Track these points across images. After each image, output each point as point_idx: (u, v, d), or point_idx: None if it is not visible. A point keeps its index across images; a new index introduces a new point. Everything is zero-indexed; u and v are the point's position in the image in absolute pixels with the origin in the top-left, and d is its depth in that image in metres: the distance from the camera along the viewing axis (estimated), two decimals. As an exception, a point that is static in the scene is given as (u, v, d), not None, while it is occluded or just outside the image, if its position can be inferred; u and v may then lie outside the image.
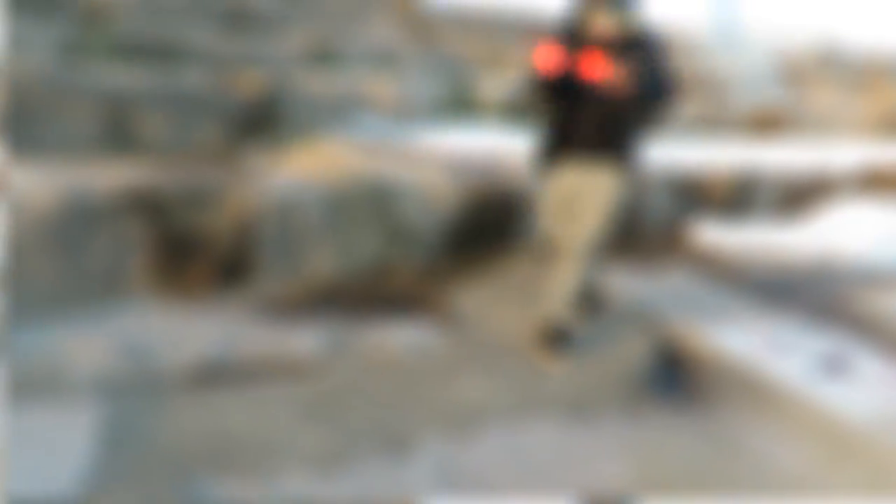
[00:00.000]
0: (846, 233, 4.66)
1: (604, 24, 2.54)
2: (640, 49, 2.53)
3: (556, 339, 2.73)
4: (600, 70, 2.45)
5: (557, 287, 2.70)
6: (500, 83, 5.67)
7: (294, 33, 6.49)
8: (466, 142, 4.70)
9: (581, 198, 2.64)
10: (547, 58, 2.50)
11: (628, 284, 3.67)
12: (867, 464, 2.15)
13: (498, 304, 3.35)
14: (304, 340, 2.77)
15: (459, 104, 5.33)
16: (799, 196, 5.40)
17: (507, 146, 4.71)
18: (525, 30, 8.20)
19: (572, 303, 2.71)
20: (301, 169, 3.86)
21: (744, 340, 3.02)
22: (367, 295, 3.40)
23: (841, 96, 7.99)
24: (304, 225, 3.45)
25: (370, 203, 3.65)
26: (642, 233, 4.67)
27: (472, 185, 3.97)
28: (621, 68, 2.42)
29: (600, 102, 2.53)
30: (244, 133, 4.47)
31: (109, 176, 3.33)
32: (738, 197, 5.10)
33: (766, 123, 6.54)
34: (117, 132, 4.10)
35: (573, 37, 2.59)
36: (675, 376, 2.74)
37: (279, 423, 2.14)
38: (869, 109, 7.53)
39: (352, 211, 3.60)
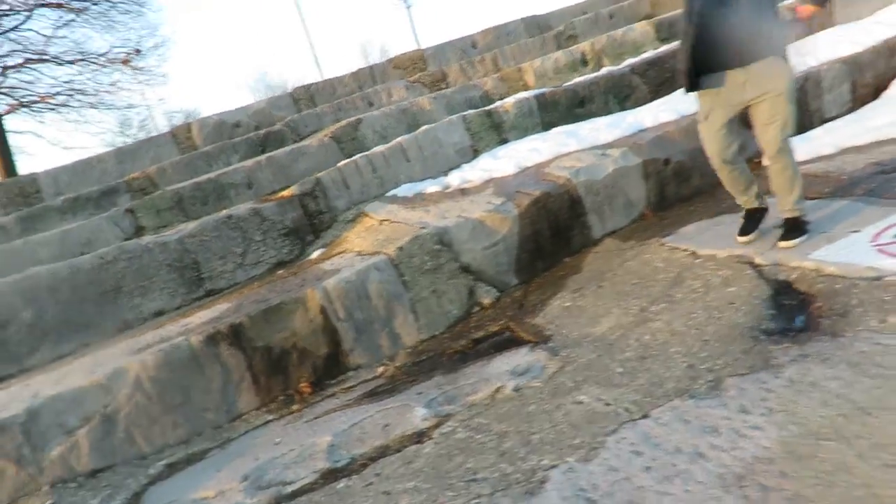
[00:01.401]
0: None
1: None
2: None
3: (797, 228, 3.00)
4: None
5: (777, 184, 3.03)
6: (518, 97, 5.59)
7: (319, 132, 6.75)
8: (507, 163, 4.64)
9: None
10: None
11: (712, 231, 3.41)
12: None
13: (583, 303, 3.19)
14: (415, 411, 2.72)
15: (490, 129, 5.29)
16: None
17: (545, 151, 4.62)
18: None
19: (801, 194, 3.01)
20: (358, 249, 3.93)
21: (854, 246, 2.72)
22: (459, 347, 3.35)
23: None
24: (377, 299, 3.48)
25: (431, 256, 3.63)
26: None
27: (524, 202, 3.87)
28: None
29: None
30: (301, 240, 4.64)
31: (197, 321, 3.54)
32: (802, 100, 4.70)
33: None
34: (193, 280, 4.36)
35: None
36: (793, 304, 2.48)
37: (412, 499, 2.09)
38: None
39: (416, 269, 3.59)
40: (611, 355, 2.62)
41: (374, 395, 3.05)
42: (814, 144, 4.29)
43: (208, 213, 5.06)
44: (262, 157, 5.72)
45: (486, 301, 3.74)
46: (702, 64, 2.95)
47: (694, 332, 2.56)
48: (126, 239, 4.95)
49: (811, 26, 3.79)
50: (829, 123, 4.65)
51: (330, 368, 3.41)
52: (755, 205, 3.20)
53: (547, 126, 5.31)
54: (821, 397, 1.89)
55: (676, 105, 4.74)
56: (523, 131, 5.26)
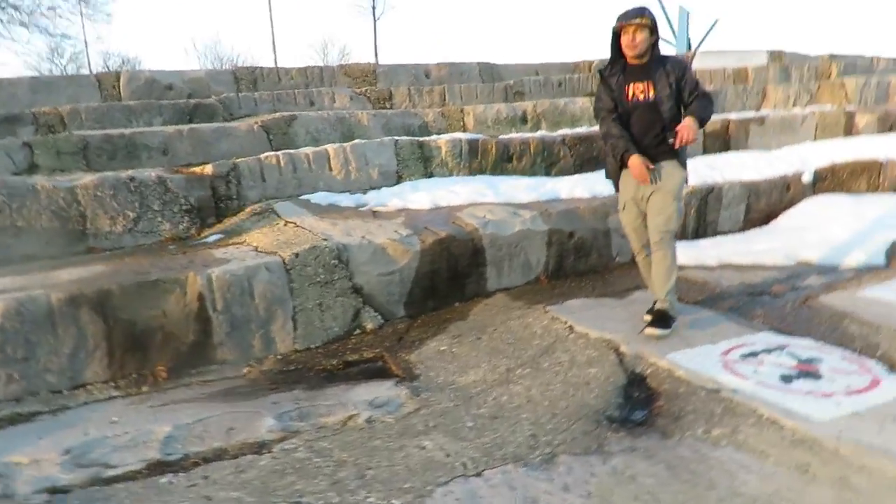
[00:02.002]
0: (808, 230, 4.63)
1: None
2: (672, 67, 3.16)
3: (663, 320, 3.21)
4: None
5: (656, 272, 3.26)
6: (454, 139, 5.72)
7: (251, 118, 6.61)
8: (424, 197, 4.73)
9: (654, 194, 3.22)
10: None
11: (593, 311, 3.62)
12: (835, 476, 2.06)
13: (458, 350, 3.29)
14: (264, 420, 2.69)
15: (418, 160, 5.37)
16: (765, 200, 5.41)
17: (463, 195, 4.75)
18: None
19: (673, 286, 3.24)
20: (256, 244, 3.86)
21: (706, 356, 2.97)
22: (330, 366, 3.35)
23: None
24: (260, 299, 3.43)
25: (326, 269, 3.63)
26: (610, 261, 4.65)
27: (429, 239, 3.95)
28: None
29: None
30: (202, 221, 4.51)
31: (65, 277, 3.35)
32: (701, 209, 5.09)
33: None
34: (75, 233, 4.13)
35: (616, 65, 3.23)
36: (639, 397, 2.67)
37: (229, 511, 2.05)
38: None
39: (308, 279, 3.58)
40: (467, 408, 2.71)
41: (230, 394, 2.99)
42: (700, 253, 4.65)
43: (113, 168, 4.83)
44: (186, 127, 5.54)
45: (369, 326, 3.77)
46: (622, 158, 3.25)
47: (547, 404, 2.69)
48: (15, 174, 4.63)
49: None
50: (720, 237, 5.07)
51: (193, 358, 3.31)
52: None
53: (473, 171, 5.47)
54: (634, 491, 2.03)
55: (593, 185, 5.01)
56: (449, 171, 5.38)
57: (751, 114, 7.22)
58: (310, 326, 3.59)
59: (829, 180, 5.70)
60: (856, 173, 5.75)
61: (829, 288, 3.92)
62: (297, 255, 3.57)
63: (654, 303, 3.31)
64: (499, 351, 3.30)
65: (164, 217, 4.37)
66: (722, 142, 6.56)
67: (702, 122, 3.12)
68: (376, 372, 3.20)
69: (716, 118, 6.81)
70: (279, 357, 3.45)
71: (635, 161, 3.16)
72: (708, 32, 17.65)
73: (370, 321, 3.78)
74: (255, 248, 3.80)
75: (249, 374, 3.27)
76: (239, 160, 4.77)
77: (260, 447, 2.45)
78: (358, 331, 3.75)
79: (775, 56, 10.92)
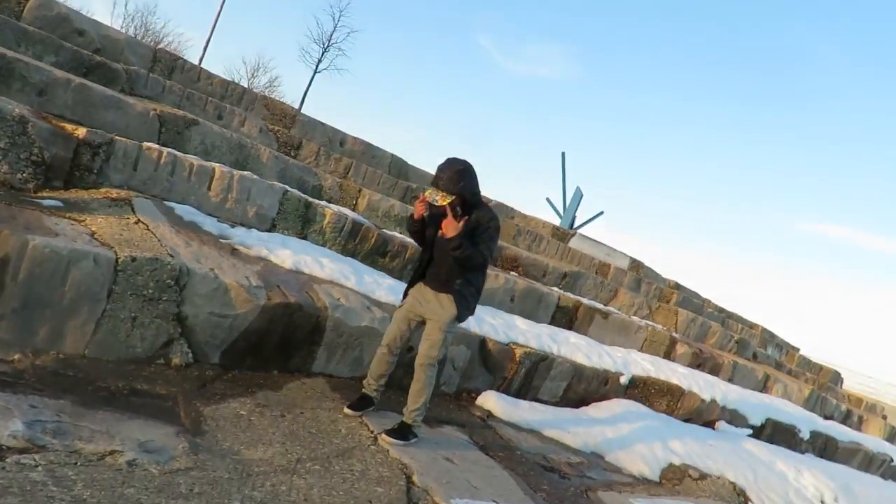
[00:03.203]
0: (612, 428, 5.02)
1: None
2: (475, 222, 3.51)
3: (403, 432, 3.56)
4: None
5: (413, 388, 3.64)
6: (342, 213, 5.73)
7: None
8: (290, 257, 4.61)
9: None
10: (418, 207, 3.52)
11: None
12: None
13: (257, 421, 3.11)
14: (11, 422, 2.33)
15: (298, 218, 5.29)
16: (585, 385, 5.83)
17: (328, 270, 4.69)
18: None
19: (422, 407, 3.63)
20: (95, 230, 3.52)
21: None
22: (115, 387, 3.01)
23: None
24: (71, 288, 3.07)
25: (157, 286, 3.36)
26: (436, 388, 4.71)
27: (277, 299, 3.82)
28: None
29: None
30: (46, 180, 4.06)
31: None
32: (531, 372, 5.38)
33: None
34: None
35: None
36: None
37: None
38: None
39: (133, 288, 3.29)
40: (241, 485, 2.53)
41: (-17, 378, 2.58)
42: (516, 412, 4.86)
43: (-26, 83, 4.29)
44: (77, 79, 5.10)
45: (176, 360, 3.48)
46: (420, 275, 3.74)
47: (323, 509, 2.58)
48: None
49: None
50: (538, 403, 5.34)
51: (-40, 321, 2.85)
52: (374, 394, 3.80)
53: (346, 252, 5.45)
54: None
55: (449, 311, 5.17)
56: (324, 241, 5.33)
57: (600, 305, 7.94)
58: (111, 336, 3.25)
59: (640, 389, 6.30)
60: (662, 392, 6.41)
61: (609, 486, 4.22)
62: (133, 259, 3.29)
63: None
64: (297, 437, 3.16)
65: (6, 159, 3.89)
66: (568, 319, 7.09)
67: (457, 252, 3.43)
68: (162, 412, 2.92)
69: (571, 296, 7.41)
70: (62, 357, 3.06)
71: (418, 200, 3.52)
72: (591, 219, 19.62)
73: (179, 356, 3.50)
74: (93, 234, 3.46)
75: (19, 363, 2.86)
76: (118, 137, 4.43)
77: (-9, 451, 2.11)
78: (161, 361, 3.44)
79: (635, 265, 12.26)
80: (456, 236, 3.38)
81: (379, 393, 3.82)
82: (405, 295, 3.82)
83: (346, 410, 3.68)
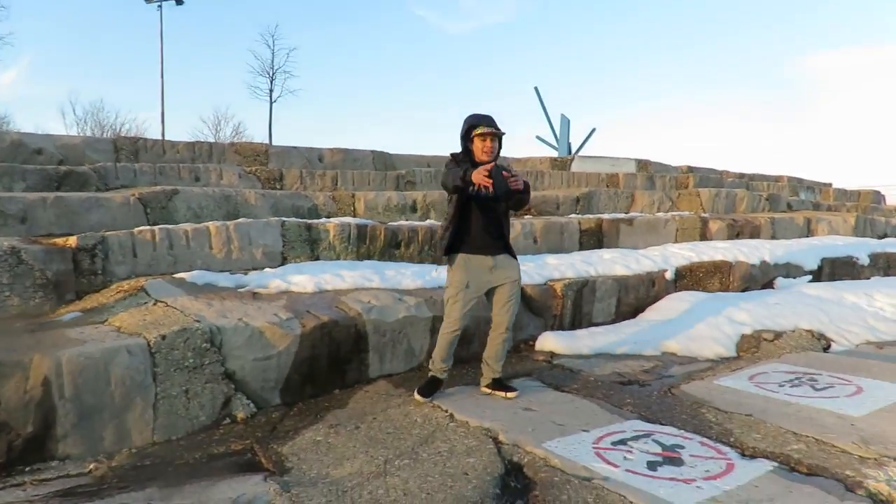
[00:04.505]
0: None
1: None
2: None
3: (504, 385, 3.76)
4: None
5: (497, 351, 3.75)
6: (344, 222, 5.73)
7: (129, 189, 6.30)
8: (309, 280, 4.63)
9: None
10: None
11: (474, 399, 3.63)
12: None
13: (335, 441, 3.14)
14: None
15: (305, 242, 5.30)
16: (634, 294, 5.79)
17: (349, 280, 4.71)
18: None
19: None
20: (119, 325, 3.57)
21: (579, 444, 3.04)
22: (192, 460, 3.07)
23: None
24: (117, 385, 3.13)
25: (195, 353, 3.41)
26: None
27: (311, 324, 3.85)
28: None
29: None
30: (59, 297, 4.13)
31: None
32: (577, 301, 5.36)
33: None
34: None
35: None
36: (516, 487, 2.66)
37: None
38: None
39: (174, 364, 3.33)
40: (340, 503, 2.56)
41: (69, 496, 2.64)
42: (577, 343, 4.86)
43: (-43, 235, 4.36)
44: (51, 195, 5.16)
45: (241, 415, 3.54)
46: (462, 245, 3.59)
47: (424, 497, 2.61)
48: None
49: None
50: (594, 328, 5.33)
51: (30, 452, 2.92)
52: (444, 376, 3.77)
53: (361, 256, 5.47)
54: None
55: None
56: (336, 255, 5.35)
57: (621, 215, 7.86)
58: (173, 416, 3.31)
59: (688, 278, 6.24)
60: (710, 273, 6.35)
61: (690, 378, 4.20)
62: (164, 336, 3.34)
63: (488, 376, 3.81)
64: (377, 441, 3.19)
65: (14, 291, 3.96)
66: (596, 239, 7.04)
67: (526, 198, 3.59)
68: (244, 465, 2.97)
69: (591, 217, 7.34)
70: (134, 451, 3.13)
71: (478, 171, 3.29)
72: (586, 139, 19.38)
73: (242, 409, 3.55)
74: (118, 329, 3.51)
75: (96, 470, 2.92)
76: (109, 233, 4.48)
77: (99, 556, 2.16)
78: (227, 420, 3.50)
79: (642, 165, 12.09)
80: (518, 182, 3.37)
81: (447, 373, 3.78)
82: (451, 262, 3.65)
83: (418, 397, 3.68)
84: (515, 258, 3.75)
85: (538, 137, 19.44)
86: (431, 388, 3.74)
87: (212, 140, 28.64)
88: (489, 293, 3.72)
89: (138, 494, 2.64)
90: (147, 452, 3.12)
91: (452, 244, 3.60)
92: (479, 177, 3.27)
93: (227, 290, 4.34)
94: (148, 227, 4.73)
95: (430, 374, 3.77)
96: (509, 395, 3.70)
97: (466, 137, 3.57)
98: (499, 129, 3.56)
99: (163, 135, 26.73)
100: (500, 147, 3.62)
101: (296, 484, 2.75)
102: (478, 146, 3.52)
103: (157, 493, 2.67)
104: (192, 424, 3.37)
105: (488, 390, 3.76)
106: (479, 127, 3.51)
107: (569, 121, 18.74)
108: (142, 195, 5.59)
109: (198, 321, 3.55)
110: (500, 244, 3.63)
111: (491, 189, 3.27)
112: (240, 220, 5.18)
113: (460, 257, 3.62)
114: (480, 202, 3.52)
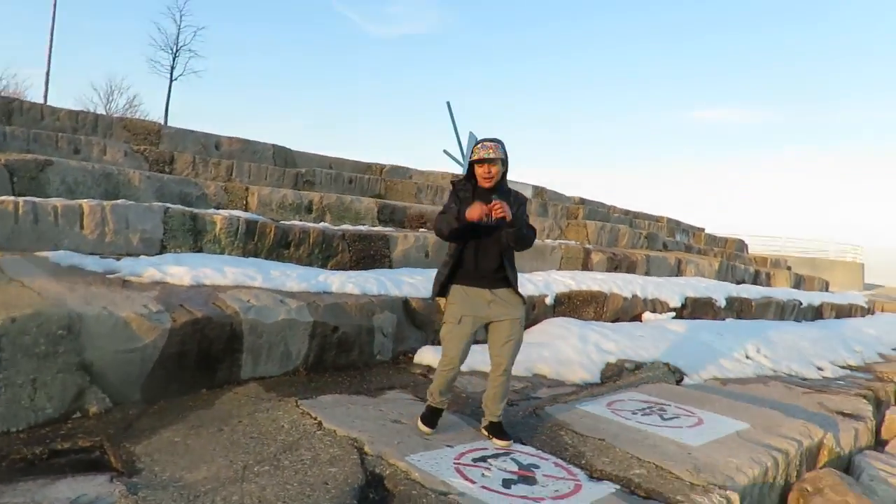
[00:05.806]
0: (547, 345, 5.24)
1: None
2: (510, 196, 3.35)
3: (504, 431, 3.49)
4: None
5: (496, 393, 3.47)
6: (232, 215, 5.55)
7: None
8: (187, 273, 4.45)
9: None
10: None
11: (345, 408, 3.63)
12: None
13: (194, 443, 3.04)
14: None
15: (188, 232, 5.08)
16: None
17: (231, 276, 4.57)
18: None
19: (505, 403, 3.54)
20: (-38, 303, 3.26)
21: (441, 459, 3.13)
22: (31, 455, 2.86)
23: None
24: (-48, 370, 2.86)
25: (49, 340, 3.18)
26: (371, 358, 4.75)
27: (182, 318, 3.70)
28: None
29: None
30: None
31: None
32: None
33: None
34: None
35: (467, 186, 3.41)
36: (374, 499, 2.70)
37: None
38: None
39: (23, 350, 3.09)
40: (189, 508, 2.48)
41: None
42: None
43: None
44: None
45: (94, 409, 3.34)
46: (456, 277, 3.43)
47: (279, 505, 2.59)
48: None
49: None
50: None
51: None
52: (444, 406, 3.58)
53: (247, 253, 5.32)
54: None
55: (365, 282, 5.18)
56: (221, 249, 5.17)
57: (512, 237, 8.15)
58: (14, 405, 3.06)
59: (567, 305, 6.58)
60: (587, 302, 6.73)
61: (555, 400, 4.44)
62: (13, 320, 3.09)
63: (487, 418, 3.55)
64: (239, 445, 3.12)
65: None
66: (486, 258, 7.25)
67: (520, 234, 3.30)
68: (89, 464, 2.81)
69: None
70: (-36, 440, 2.87)
71: (475, 206, 3.16)
72: (489, 159, 19.83)
73: (96, 403, 3.35)
74: (-39, 306, 3.21)
75: (-85, 460, 2.65)
76: (-37, 200, 4.09)
77: None
78: (78, 414, 3.29)
79: (538, 192, 12.61)
80: (514, 217, 3.19)
81: (446, 402, 3.59)
82: (440, 293, 3.50)
83: (423, 428, 3.48)
84: (521, 296, 3.47)
85: (445, 151, 19.69)
86: (434, 417, 3.54)
87: (101, 112, 26.70)
88: (487, 328, 3.48)
89: (-39, 490, 2.43)
90: (-21, 444, 2.87)
91: (449, 274, 3.44)
92: (478, 210, 3.14)
93: (95, 274, 4.08)
94: (10, 198, 4.36)
95: (429, 404, 3.57)
96: (500, 442, 3.43)
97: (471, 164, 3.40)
98: (494, 154, 3.30)
99: (45, 98, 24.58)
100: (504, 171, 3.41)
101: (145, 486, 2.63)
102: (478, 172, 3.37)
103: (-16, 488, 2.46)
104: (35, 416, 3.14)
105: (485, 433, 3.53)
106: (474, 153, 3.35)
107: (476, 139, 19.16)
108: (8, 161, 5.14)
109: (55, 305, 3.31)
110: (499, 277, 3.41)
111: (507, 216, 3.12)
112: (118, 200, 4.89)
113: (454, 289, 3.44)
114: (479, 233, 3.34)
